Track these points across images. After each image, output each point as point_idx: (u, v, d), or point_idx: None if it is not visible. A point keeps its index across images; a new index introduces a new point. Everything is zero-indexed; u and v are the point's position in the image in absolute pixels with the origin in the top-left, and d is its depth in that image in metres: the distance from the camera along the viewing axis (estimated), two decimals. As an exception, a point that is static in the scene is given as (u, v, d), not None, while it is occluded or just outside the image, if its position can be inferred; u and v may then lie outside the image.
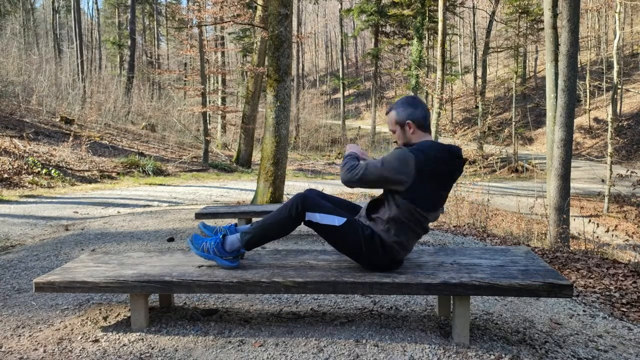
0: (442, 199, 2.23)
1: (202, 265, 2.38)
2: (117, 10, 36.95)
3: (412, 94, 23.37)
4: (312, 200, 2.26)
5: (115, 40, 34.98)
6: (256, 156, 17.46)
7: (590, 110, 24.51)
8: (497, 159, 19.82)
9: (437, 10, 19.47)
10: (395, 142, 2.34)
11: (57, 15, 37.44)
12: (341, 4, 35.23)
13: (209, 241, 2.34)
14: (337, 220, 2.22)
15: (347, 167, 2.20)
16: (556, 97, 7.94)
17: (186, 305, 2.65)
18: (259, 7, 14.39)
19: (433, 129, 15.50)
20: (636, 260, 5.20)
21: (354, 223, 2.24)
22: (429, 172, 2.10)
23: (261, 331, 2.26)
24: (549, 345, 2.22)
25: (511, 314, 2.62)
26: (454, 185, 10.13)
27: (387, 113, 2.33)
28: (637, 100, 23.87)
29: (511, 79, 27.60)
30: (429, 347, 2.06)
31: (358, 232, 2.21)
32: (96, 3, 46.41)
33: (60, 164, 10.76)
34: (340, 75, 34.65)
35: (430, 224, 6.84)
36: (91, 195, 8.57)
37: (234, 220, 5.29)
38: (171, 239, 4.61)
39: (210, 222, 5.49)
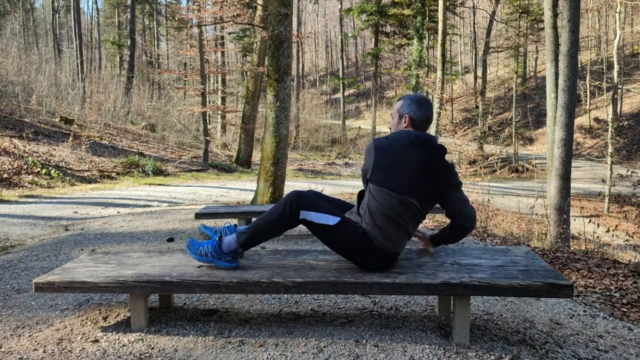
0: (417, 184, 2.14)
1: (202, 266, 2.37)
2: (116, 10, 36.93)
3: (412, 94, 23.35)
4: (306, 198, 2.25)
5: (115, 40, 34.96)
6: (256, 156, 17.46)
7: (590, 110, 24.51)
8: (498, 159, 19.81)
9: (437, 10, 19.46)
10: (390, 128, 2.44)
11: (57, 15, 37.43)
12: (341, 4, 35.22)
13: (206, 245, 2.32)
14: (332, 220, 2.22)
15: None
16: (556, 97, 7.94)
17: (186, 306, 2.64)
18: (259, 7, 14.39)
19: (433, 129, 15.50)
20: (636, 260, 5.20)
21: (347, 222, 2.24)
22: (390, 152, 2.16)
23: (261, 331, 2.26)
24: (549, 346, 2.22)
25: (511, 314, 2.62)
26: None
27: (399, 99, 2.40)
28: (638, 100, 23.87)
29: (511, 78, 27.59)
30: (429, 348, 2.06)
31: (351, 232, 2.21)
32: (96, 3, 46.35)
33: (60, 164, 10.76)
34: (340, 75, 34.64)
35: (430, 224, 6.83)
36: (91, 195, 8.56)
37: (234, 220, 5.28)
38: (171, 239, 4.60)
39: (210, 223, 5.49)
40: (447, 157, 2.54)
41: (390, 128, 2.41)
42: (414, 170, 2.15)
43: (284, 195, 6.33)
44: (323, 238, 2.29)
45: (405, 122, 2.30)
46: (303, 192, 2.28)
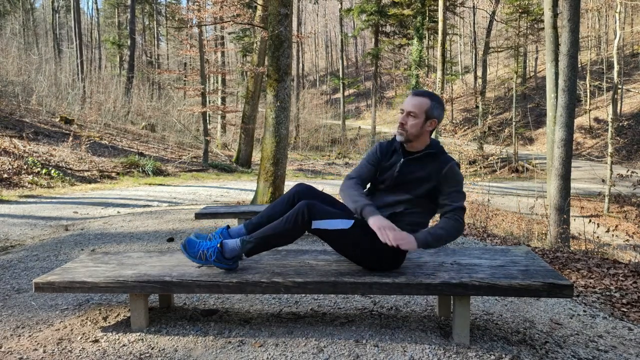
0: None
1: (201, 266, 2.37)
2: (116, 10, 36.94)
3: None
4: (316, 207, 2.16)
5: (115, 40, 34.97)
6: (256, 156, 17.46)
7: (590, 110, 24.51)
8: (498, 159, 19.81)
9: (437, 10, 19.46)
10: (402, 123, 2.20)
11: (57, 15, 37.45)
12: (341, 3, 35.22)
13: (206, 249, 2.25)
14: (346, 223, 2.14)
15: (455, 230, 2.17)
16: (556, 97, 7.94)
17: (186, 306, 2.64)
18: (259, 7, 14.39)
19: (433, 129, 15.51)
20: (636, 260, 5.20)
21: (361, 222, 2.16)
22: None
23: (261, 331, 2.26)
24: (549, 346, 2.22)
25: (511, 314, 2.62)
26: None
27: (417, 94, 2.22)
28: (638, 100, 23.87)
29: (511, 78, 27.60)
30: (429, 348, 2.06)
31: (368, 231, 2.12)
32: (96, 3, 46.26)
33: (60, 164, 10.76)
34: (340, 75, 34.64)
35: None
36: (91, 195, 8.56)
37: (234, 221, 5.28)
38: (171, 239, 4.61)
39: (210, 222, 5.49)
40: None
41: (403, 123, 2.20)
42: None
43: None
44: (337, 243, 2.20)
45: (431, 126, 2.22)
46: (312, 201, 2.18)
